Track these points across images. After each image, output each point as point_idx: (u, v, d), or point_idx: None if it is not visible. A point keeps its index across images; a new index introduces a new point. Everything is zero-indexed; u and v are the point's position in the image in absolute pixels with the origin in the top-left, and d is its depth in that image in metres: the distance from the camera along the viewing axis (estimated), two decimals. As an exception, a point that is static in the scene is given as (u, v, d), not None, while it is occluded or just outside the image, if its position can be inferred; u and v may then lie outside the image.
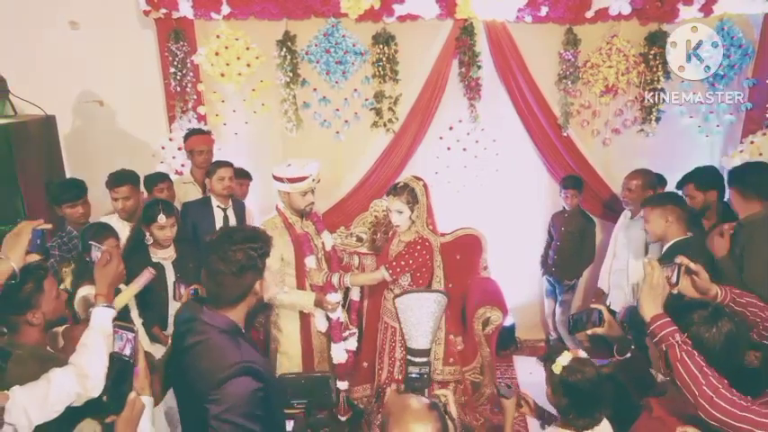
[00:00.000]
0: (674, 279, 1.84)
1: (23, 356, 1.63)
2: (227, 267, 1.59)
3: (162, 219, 2.75)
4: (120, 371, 1.43)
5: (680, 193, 3.28)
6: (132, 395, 1.42)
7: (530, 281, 4.48)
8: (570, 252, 4.03)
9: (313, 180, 2.80)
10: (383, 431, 1.35)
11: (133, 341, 1.57)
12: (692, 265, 1.83)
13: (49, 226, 1.84)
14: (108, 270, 1.84)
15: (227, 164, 3.42)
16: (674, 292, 1.87)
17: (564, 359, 1.88)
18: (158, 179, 3.50)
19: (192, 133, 3.68)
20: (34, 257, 1.75)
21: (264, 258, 1.67)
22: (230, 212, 3.46)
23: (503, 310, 3.56)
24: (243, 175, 3.78)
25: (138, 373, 1.55)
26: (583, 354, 1.92)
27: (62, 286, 2.51)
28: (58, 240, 2.93)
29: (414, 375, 1.86)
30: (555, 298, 4.28)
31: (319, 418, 1.88)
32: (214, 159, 3.65)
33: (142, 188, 3.36)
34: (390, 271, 2.88)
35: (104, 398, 1.45)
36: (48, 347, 1.86)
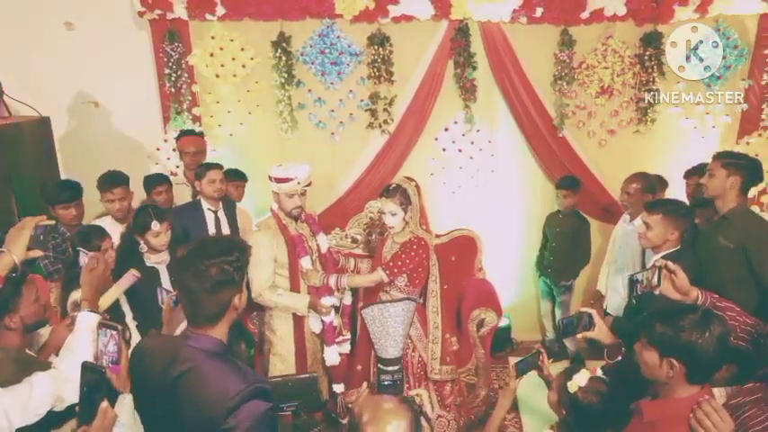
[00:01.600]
0: (654, 281, 1.89)
1: (1, 360, 1.63)
2: (200, 284, 1.46)
3: (156, 226, 2.69)
4: (91, 380, 1.42)
5: (685, 181, 3.35)
6: (104, 405, 1.41)
7: (525, 282, 4.48)
8: (565, 253, 4.03)
9: (299, 183, 2.80)
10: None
11: (117, 338, 1.57)
12: (671, 265, 1.89)
13: (52, 222, 1.86)
14: (94, 276, 1.83)
15: (217, 166, 3.39)
16: (657, 293, 1.91)
17: (581, 378, 1.86)
18: (157, 181, 3.49)
19: (181, 134, 3.68)
20: (37, 253, 1.76)
21: (242, 271, 1.54)
22: (221, 215, 3.44)
23: (497, 311, 3.56)
24: (238, 177, 3.78)
25: (120, 372, 1.55)
26: (599, 372, 1.92)
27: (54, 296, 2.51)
28: (52, 242, 2.91)
29: (387, 383, 1.86)
30: (551, 299, 4.27)
31: (306, 420, 1.87)
32: (207, 161, 3.64)
33: (132, 189, 3.36)
34: (387, 272, 2.88)
35: (76, 408, 1.44)
36: (27, 350, 1.85)
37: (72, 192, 3.05)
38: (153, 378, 1.52)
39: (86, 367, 1.44)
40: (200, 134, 3.79)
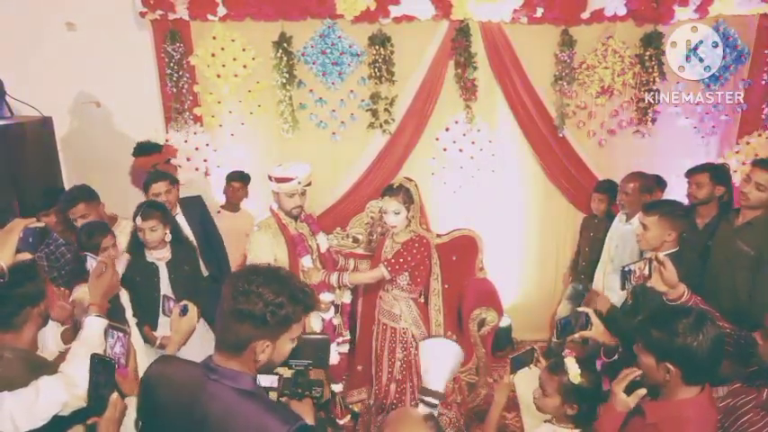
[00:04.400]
0: (646, 272, 1.93)
1: (12, 360, 1.62)
2: (229, 304, 1.33)
3: (138, 221, 2.76)
4: (100, 372, 1.43)
5: (686, 180, 3.32)
6: (114, 396, 1.42)
7: (526, 282, 4.48)
8: (597, 258, 3.82)
9: (299, 183, 2.82)
10: None
11: (124, 340, 1.57)
12: (661, 257, 1.95)
13: (42, 224, 1.83)
14: (102, 281, 1.82)
15: (162, 177, 3.25)
16: (648, 285, 1.96)
17: (574, 367, 1.89)
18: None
19: (134, 152, 3.59)
20: (26, 256, 1.75)
21: (282, 319, 1.34)
22: (180, 219, 3.34)
23: (498, 311, 3.57)
24: (240, 179, 3.78)
25: (128, 375, 1.55)
26: (571, 355, 1.95)
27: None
28: (45, 250, 2.86)
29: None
30: (577, 304, 4.07)
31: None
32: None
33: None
34: (389, 269, 2.90)
35: (85, 400, 1.45)
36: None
37: (47, 199, 3.01)
38: (174, 412, 1.38)
39: (95, 359, 1.44)
40: (155, 148, 3.66)
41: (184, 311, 1.83)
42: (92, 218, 2.98)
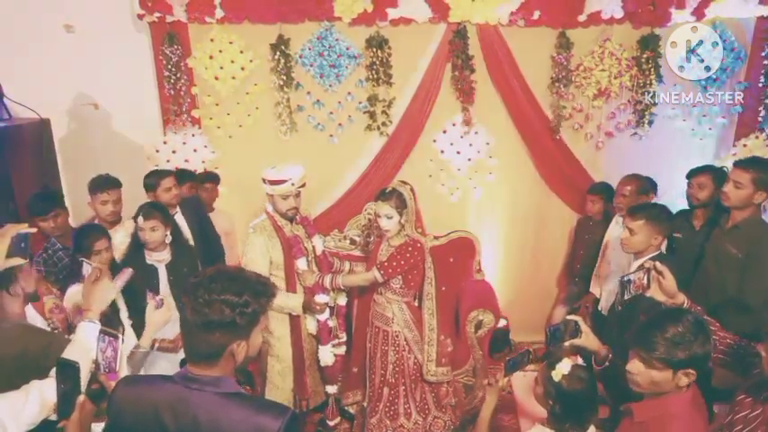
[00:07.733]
0: (645, 281, 1.93)
1: (9, 328, 1.68)
2: (193, 317, 1.32)
3: (140, 221, 2.78)
4: (68, 375, 1.44)
5: (687, 181, 3.32)
6: (81, 398, 1.43)
7: (523, 283, 4.49)
8: (593, 261, 3.85)
9: (292, 185, 2.83)
10: None
11: (115, 345, 1.58)
12: (659, 266, 1.94)
13: (34, 230, 1.84)
14: (97, 287, 1.83)
15: (170, 173, 3.20)
16: (647, 294, 1.94)
17: (564, 367, 1.90)
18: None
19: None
20: (18, 261, 1.76)
21: (249, 318, 1.35)
22: (179, 218, 3.35)
23: (495, 312, 3.57)
24: (212, 179, 3.80)
25: (116, 380, 1.56)
26: (580, 360, 1.96)
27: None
28: (44, 254, 2.86)
29: None
30: (572, 306, 4.09)
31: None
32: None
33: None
34: (382, 272, 2.90)
35: (54, 403, 1.47)
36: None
37: (44, 204, 2.98)
38: (160, 429, 1.36)
39: (61, 363, 1.45)
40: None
41: (160, 306, 1.86)
42: (119, 207, 3.15)
